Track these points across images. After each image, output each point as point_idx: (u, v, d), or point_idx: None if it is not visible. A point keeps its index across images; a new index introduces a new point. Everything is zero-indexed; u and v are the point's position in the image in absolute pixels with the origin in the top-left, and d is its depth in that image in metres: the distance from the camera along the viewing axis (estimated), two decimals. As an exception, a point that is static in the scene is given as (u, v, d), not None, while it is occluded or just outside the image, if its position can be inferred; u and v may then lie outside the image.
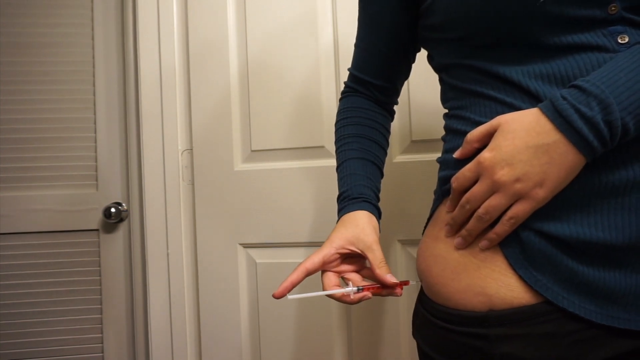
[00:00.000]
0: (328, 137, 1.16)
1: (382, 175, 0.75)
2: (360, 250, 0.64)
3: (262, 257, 1.20)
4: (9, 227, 1.34)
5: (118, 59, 1.38)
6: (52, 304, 1.35)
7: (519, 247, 0.50)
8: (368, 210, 0.68)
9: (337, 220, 0.68)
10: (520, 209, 0.48)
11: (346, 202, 0.69)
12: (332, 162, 1.12)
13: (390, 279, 0.62)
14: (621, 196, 0.48)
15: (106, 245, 1.37)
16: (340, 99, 0.79)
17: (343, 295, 0.62)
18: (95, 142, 1.36)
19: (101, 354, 1.36)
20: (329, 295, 0.63)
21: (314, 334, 1.17)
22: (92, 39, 1.37)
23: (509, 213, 0.49)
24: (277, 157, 1.19)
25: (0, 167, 1.35)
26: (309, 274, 0.64)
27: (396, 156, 1.12)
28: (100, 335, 1.36)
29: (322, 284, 0.65)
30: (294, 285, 0.62)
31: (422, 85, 1.09)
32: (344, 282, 0.65)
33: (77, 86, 1.37)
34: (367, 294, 0.62)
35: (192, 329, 1.25)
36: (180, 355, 1.24)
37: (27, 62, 1.36)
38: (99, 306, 1.36)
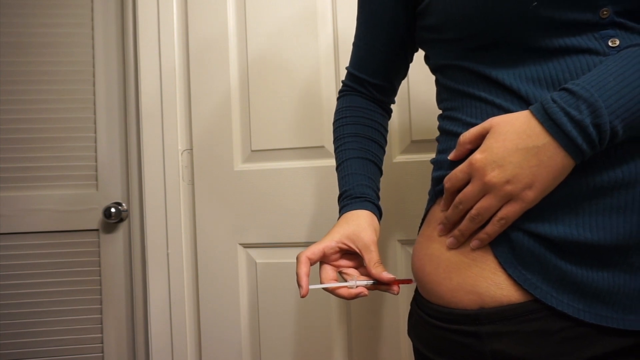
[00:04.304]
0: (328, 137, 1.16)
1: (381, 174, 0.75)
2: (358, 249, 0.65)
3: (262, 257, 1.20)
4: (9, 227, 1.34)
5: (118, 59, 1.38)
6: (52, 304, 1.35)
7: (509, 246, 0.51)
8: (370, 210, 0.68)
9: (339, 218, 0.69)
10: (511, 210, 0.49)
11: (348, 201, 0.69)
12: (333, 162, 1.12)
13: (386, 275, 0.63)
14: (609, 197, 0.48)
15: (106, 245, 1.37)
16: (338, 98, 0.79)
17: (342, 289, 0.63)
18: (95, 142, 1.37)
19: (101, 354, 1.36)
20: (328, 290, 0.64)
21: (313, 333, 1.17)
22: (92, 39, 1.37)
23: (500, 214, 0.50)
24: (277, 157, 1.19)
25: (0, 167, 1.35)
26: (311, 263, 0.65)
27: (396, 156, 1.12)
28: (100, 335, 1.36)
29: (320, 276, 0.66)
30: (308, 277, 0.64)
31: (423, 85, 1.09)
32: (342, 277, 0.66)
33: (77, 86, 1.37)
34: (364, 290, 0.63)
35: (192, 329, 1.25)
36: (180, 355, 1.24)
37: (27, 62, 1.36)
38: (99, 306, 1.36)
